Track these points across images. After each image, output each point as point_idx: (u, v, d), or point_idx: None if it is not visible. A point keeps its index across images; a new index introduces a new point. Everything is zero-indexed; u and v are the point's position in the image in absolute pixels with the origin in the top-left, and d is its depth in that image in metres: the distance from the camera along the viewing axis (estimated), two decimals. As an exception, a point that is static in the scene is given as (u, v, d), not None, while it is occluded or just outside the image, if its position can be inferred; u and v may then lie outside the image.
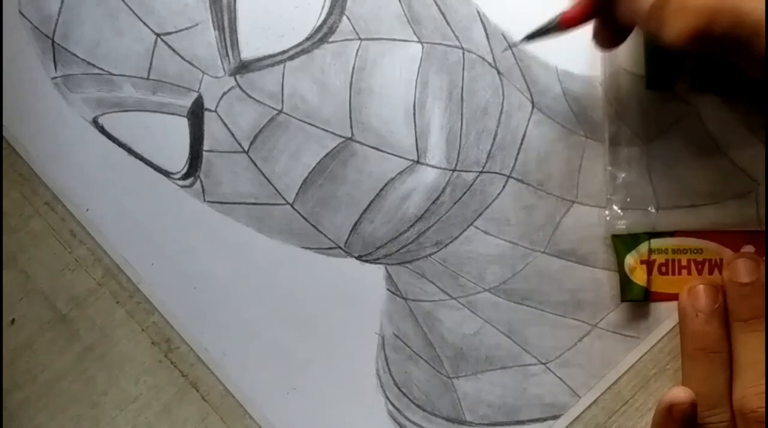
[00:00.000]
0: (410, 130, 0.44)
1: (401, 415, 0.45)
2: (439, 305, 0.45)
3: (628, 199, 0.43)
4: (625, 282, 0.43)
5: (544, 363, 0.44)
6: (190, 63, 0.45)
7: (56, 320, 0.46)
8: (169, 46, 0.45)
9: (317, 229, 0.45)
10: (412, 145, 0.44)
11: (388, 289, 0.45)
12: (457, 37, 0.44)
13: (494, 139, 0.44)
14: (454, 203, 0.44)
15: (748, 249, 0.42)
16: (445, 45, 0.44)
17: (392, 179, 0.44)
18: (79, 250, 0.47)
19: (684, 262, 0.43)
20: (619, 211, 0.43)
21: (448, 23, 0.44)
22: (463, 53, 0.44)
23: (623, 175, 0.43)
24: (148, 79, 0.46)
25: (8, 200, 0.47)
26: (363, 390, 0.45)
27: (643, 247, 0.43)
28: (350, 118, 0.44)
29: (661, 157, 0.43)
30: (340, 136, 0.44)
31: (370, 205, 0.44)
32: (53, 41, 0.46)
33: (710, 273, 0.43)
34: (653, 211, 0.43)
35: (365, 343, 0.45)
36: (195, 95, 0.45)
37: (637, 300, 0.43)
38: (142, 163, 0.46)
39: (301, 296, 0.46)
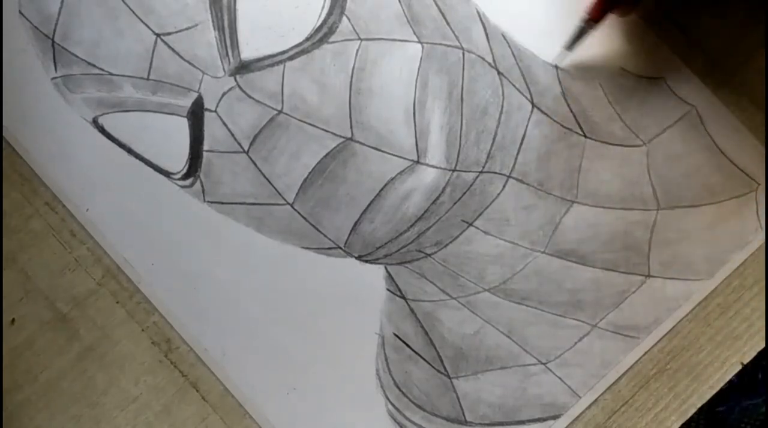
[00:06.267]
0: (410, 130, 0.44)
1: (401, 415, 0.45)
2: (439, 305, 0.45)
3: None
4: None
5: (543, 363, 0.44)
6: (190, 63, 0.45)
7: (56, 320, 0.46)
8: (169, 47, 0.45)
9: (317, 229, 0.45)
10: (412, 145, 0.44)
11: (388, 289, 0.45)
12: (457, 37, 0.44)
13: (494, 139, 0.44)
14: (454, 203, 0.44)
15: None
16: (445, 45, 0.44)
17: (392, 179, 0.44)
18: (79, 250, 0.47)
19: None
20: None
21: (448, 23, 0.44)
22: (463, 53, 0.44)
23: None
24: (148, 79, 0.45)
25: (8, 200, 0.47)
26: (363, 390, 0.45)
27: None
28: (350, 118, 0.44)
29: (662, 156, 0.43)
30: (340, 136, 0.44)
31: (370, 205, 0.44)
32: (53, 41, 0.46)
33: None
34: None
35: (365, 343, 0.45)
36: (195, 95, 0.45)
37: None
38: (142, 163, 0.46)
39: (301, 296, 0.46)
